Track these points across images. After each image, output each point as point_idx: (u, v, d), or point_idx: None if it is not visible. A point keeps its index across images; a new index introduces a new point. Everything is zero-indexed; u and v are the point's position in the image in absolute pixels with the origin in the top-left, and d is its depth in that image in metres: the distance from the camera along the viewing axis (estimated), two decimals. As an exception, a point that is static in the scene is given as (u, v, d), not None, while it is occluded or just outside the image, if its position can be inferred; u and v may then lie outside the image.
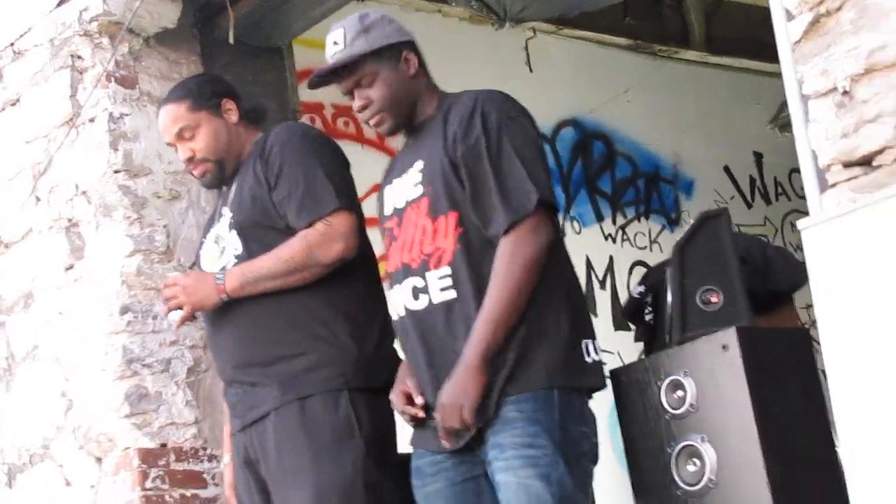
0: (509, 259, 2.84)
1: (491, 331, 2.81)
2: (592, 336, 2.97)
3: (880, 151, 2.41)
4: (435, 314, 2.94)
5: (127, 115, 4.25)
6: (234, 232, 3.37)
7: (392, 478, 3.12)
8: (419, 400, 2.95)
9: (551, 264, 2.90)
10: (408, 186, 3.04)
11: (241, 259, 3.32)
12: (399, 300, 3.03)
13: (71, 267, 4.29)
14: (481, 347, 2.80)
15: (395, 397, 3.03)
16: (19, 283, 4.47)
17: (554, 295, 2.90)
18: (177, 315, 3.36)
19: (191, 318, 3.39)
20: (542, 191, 2.87)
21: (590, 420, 2.94)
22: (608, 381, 3.22)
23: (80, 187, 4.28)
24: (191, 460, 4.03)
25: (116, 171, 4.20)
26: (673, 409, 3.27)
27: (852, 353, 2.32)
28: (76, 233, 4.29)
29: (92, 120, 4.27)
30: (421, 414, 2.96)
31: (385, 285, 3.18)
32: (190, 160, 3.48)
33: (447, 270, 2.93)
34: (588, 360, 2.92)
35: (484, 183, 2.91)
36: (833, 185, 2.49)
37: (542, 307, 2.87)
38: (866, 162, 2.43)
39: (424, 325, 2.97)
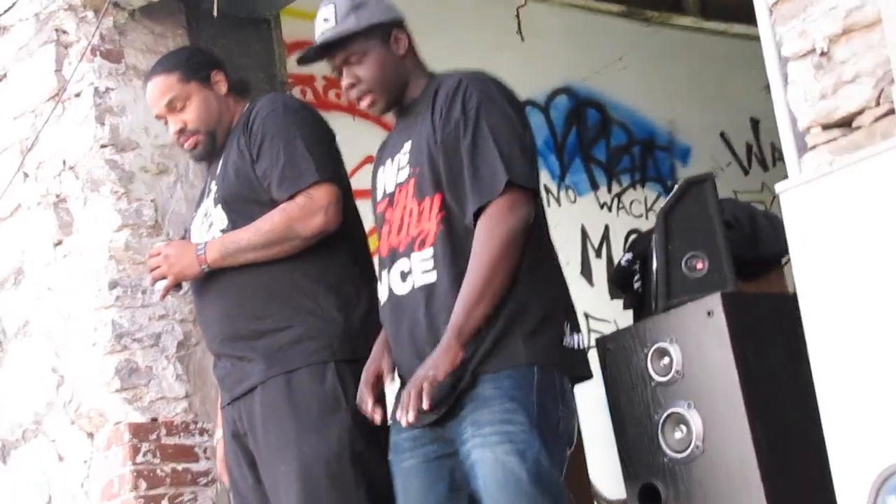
0: (485, 238, 2.80)
1: (467, 310, 2.77)
2: (574, 322, 2.92)
3: (859, 112, 2.39)
4: (416, 298, 2.91)
5: (113, 89, 4.22)
6: (219, 206, 3.36)
7: (379, 449, 3.09)
8: (388, 381, 2.91)
9: (532, 247, 2.87)
10: (397, 169, 3.01)
11: (226, 233, 3.32)
12: (386, 285, 2.99)
13: (60, 242, 4.27)
14: (456, 326, 2.76)
15: (366, 374, 3.00)
16: (9, 259, 4.45)
17: (535, 278, 2.86)
18: (161, 284, 3.36)
19: (175, 287, 3.39)
20: (513, 173, 2.82)
21: (569, 401, 2.89)
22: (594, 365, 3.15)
23: (68, 162, 4.26)
24: (182, 434, 4.01)
25: (103, 146, 4.17)
26: (659, 376, 3.26)
27: (831, 315, 2.31)
28: (64, 208, 4.27)
29: (78, 95, 4.24)
30: (377, 419, 2.95)
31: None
32: (181, 132, 3.46)
33: (430, 252, 2.89)
34: (566, 343, 2.87)
35: (459, 169, 2.88)
36: (812, 148, 2.48)
37: (523, 289, 2.83)
38: (845, 123, 2.42)
39: (406, 310, 2.93)
